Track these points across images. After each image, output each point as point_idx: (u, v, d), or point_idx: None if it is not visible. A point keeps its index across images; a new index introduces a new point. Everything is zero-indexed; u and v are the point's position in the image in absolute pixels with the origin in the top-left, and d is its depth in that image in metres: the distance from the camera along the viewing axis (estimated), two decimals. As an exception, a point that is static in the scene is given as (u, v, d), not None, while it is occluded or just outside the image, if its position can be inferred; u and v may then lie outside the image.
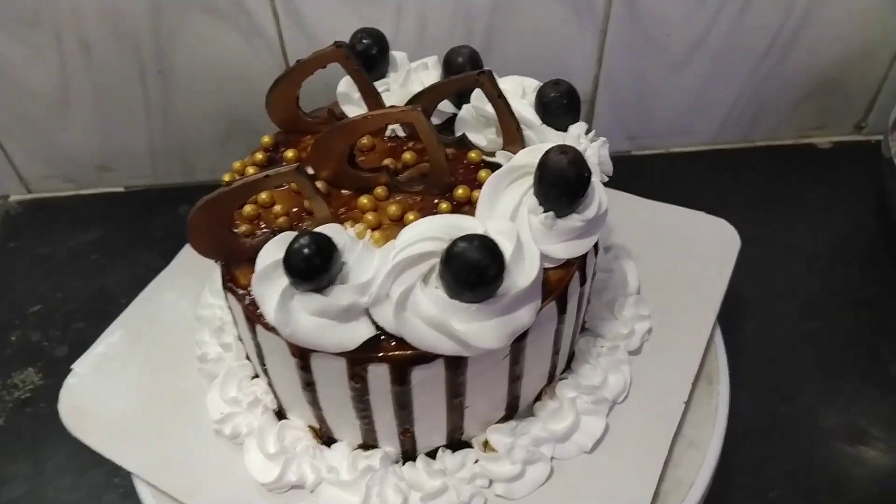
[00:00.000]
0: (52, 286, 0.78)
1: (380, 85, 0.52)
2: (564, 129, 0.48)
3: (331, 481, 0.47)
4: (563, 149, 0.42)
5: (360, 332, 0.41)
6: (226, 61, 0.76)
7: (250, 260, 0.43)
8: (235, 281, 0.45)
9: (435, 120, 0.53)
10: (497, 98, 0.46)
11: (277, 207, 0.47)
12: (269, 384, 0.49)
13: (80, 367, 0.56)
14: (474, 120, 0.51)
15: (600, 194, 0.45)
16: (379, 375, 0.42)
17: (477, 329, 0.40)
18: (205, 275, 0.60)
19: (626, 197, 0.66)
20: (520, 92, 0.50)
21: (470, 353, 0.40)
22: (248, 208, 0.47)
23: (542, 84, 0.49)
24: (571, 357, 0.52)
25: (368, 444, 0.48)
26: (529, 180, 0.44)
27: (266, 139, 0.53)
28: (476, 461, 0.48)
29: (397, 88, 0.52)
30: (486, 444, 0.48)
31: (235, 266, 0.45)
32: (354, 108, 0.53)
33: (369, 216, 0.45)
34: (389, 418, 0.45)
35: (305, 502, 0.48)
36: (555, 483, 0.48)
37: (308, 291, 0.40)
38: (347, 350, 0.41)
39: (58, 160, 0.85)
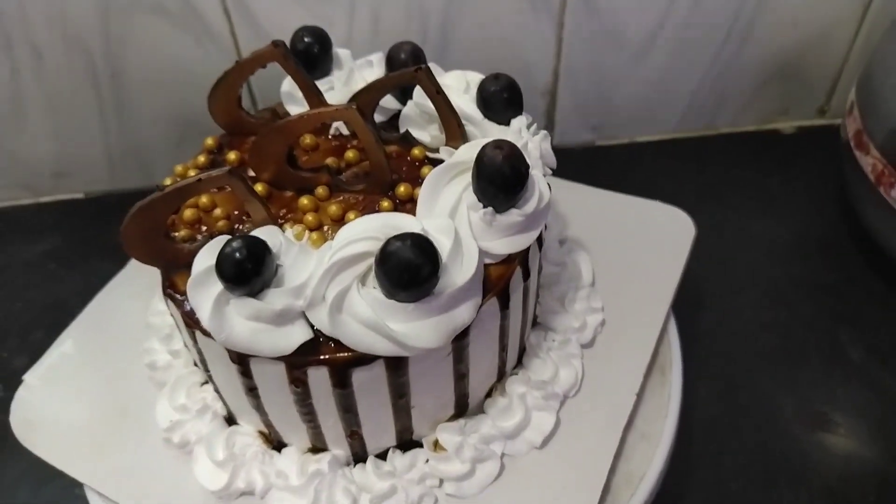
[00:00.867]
0: (8, 297, 0.77)
1: (323, 84, 0.52)
2: (507, 124, 0.48)
3: (280, 487, 0.47)
4: (497, 144, 0.41)
5: (295, 336, 0.40)
6: (178, 63, 0.75)
7: (189, 265, 0.43)
8: (175, 287, 0.44)
9: (379, 117, 0.52)
10: (436, 94, 0.45)
11: (218, 211, 0.47)
12: (216, 390, 0.49)
13: (31, 377, 0.56)
14: (417, 116, 0.50)
15: (541, 188, 0.44)
16: (319, 379, 0.42)
17: (414, 329, 0.39)
18: (156, 281, 0.59)
19: (581, 188, 0.66)
20: (463, 87, 0.50)
21: (408, 354, 0.40)
22: (188, 213, 0.46)
23: (483, 78, 0.48)
24: (523, 352, 0.52)
25: (318, 447, 0.48)
26: (469, 177, 0.43)
27: (209, 141, 0.52)
28: (426, 461, 0.48)
29: (341, 87, 0.52)
30: (436, 444, 0.48)
31: (175, 272, 0.45)
32: (298, 107, 0.52)
33: (309, 217, 0.45)
34: (335, 421, 0.45)
35: (256, 508, 0.48)
36: (505, 480, 0.48)
37: (242, 296, 0.39)
38: (284, 354, 0.40)
39: (14, 168, 0.84)
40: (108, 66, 0.75)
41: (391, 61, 0.51)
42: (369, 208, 0.46)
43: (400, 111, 0.52)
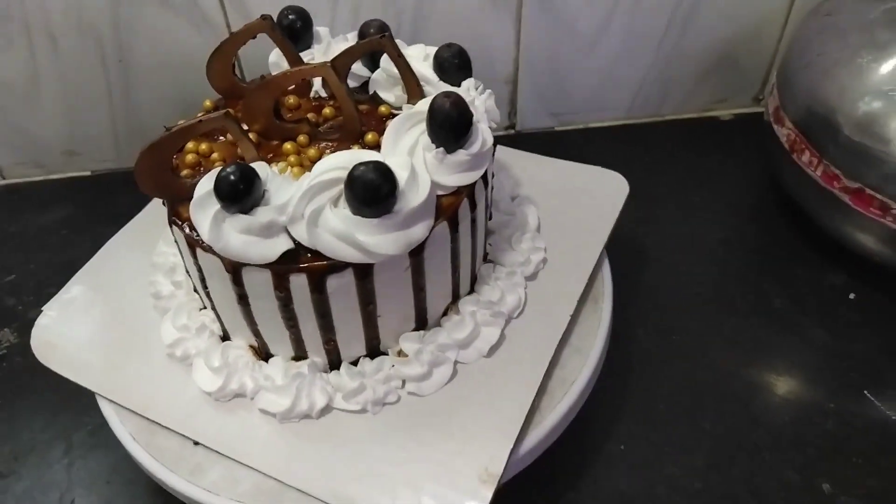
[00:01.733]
0: (24, 259, 0.86)
1: (305, 55, 0.61)
2: (458, 85, 0.57)
3: (267, 388, 0.55)
4: (446, 94, 0.51)
5: (279, 246, 0.49)
6: (178, 49, 0.84)
7: (191, 198, 0.51)
8: (179, 215, 0.53)
9: (352, 83, 0.62)
10: (398, 58, 0.55)
11: (215, 155, 0.56)
12: (213, 308, 0.57)
13: (49, 309, 0.64)
14: (384, 81, 0.59)
15: (485, 134, 0.53)
16: (300, 285, 0.50)
17: (378, 240, 0.48)
18: (156, 235, 0.67)
19: (537, 158, 0.75)
20: (422, 56, 0.59)
21: (373, 260, 0.49)
22: (189, 157, 0.55)
23: (438, 47, 0.58)
24: (474, 281, 0.61)
25: (299, 356, 0.57)
26: (424, 125, 0.52)
27: (207, 103, 0.61)
28: (392, 366, 0.56)
29: (320, 57, 0.61)
30: (399, 353, 0.57)
31: (179, 204, 0.54)
32: (283, 74, 0.61)
33: (292, 158, 0.54)
34: (313, 328, 0.54)
35: (246, 409, 0.56)
36: (457, 382, 0.56)
37: (235, 213, 0.48)
38: (270, 261, 0.49)
39: (27, 146, 0.92)
40: (116, 52, 0.84)
41: (362, 35, 0.61)
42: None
43: (369, 78, 0.62)
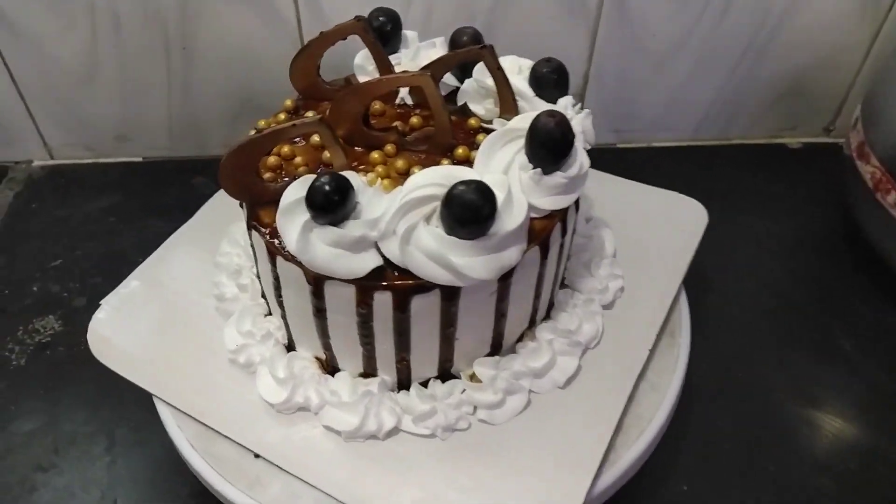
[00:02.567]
0: (70, 245, 0.84)
1: (392, 59, 0.59)
2: (554, 102, 0.55)
3: (333, 403, 0.53)
4: (551, 113, 0.48)
5: (368, 262, 0.47)
6: (244, 42, 0.82)
7: (272, 202, 0.49)
8: (259, 220, 0.51)
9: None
10: (496, 70, 0.52)
11: (298, 159, 0.53)
12: (283, 317, 0.55)
13: (107, 303, 0.62)
14: (475, 92, 0.57)
15: (582, 156, 0.51)
16: (383, 302, 0.48)
17: (470, 262, 0.46)
18: (218, 235, 0.65)
19: (608, 177, 0.72)
20: (516, 69, 0.57)
21: (463, 283, 0.46)
22: (272, 159, 0.53)
23: (536, 62, 0.56)
24: (551, 307, 0.59)
25: (368, 373, 0.54)
26: (521, 142, 0.50)
27: (288, 102, 0.59)
28: (463, 391, 0.54)
29: (407, 62, 0.59)
30: (472, 377, 0.55)
31: (259, 207, 0.51)
32: (369, 78, 0.59)
33: (379, 168, 0.52)
34: (389, 346, 0.52)
35: (310, 423, 0.54)
36: (531, 412, 0.54)
37: (326, 224, 0.46)
38: (357, 277, 0.47)
39: (80, 129, 0.91)
40: (180, 40, 0.82)
41: (454, 42, 0.58)
42: (431, 165, 0.53)
43: (457, 88, 0.59)
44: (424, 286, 0.47)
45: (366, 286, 0.48)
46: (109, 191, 0.91)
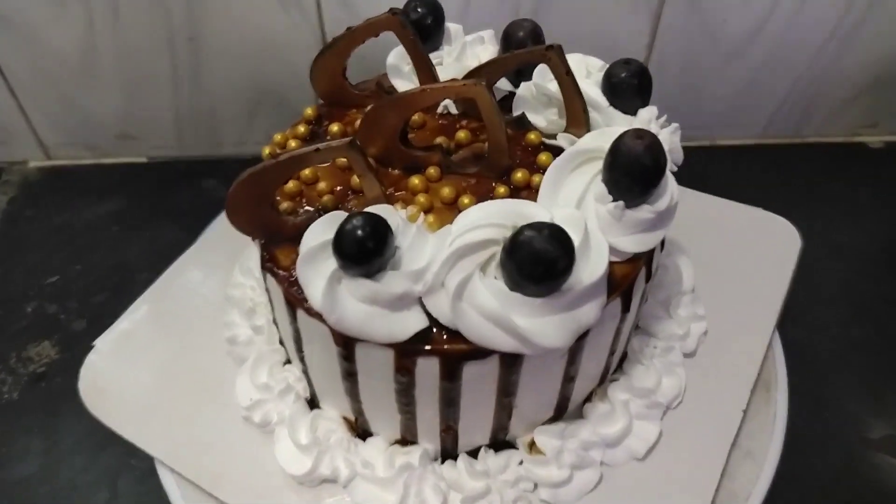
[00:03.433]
0: (70, 258, 0.76)
1: (432, 58, 0.49)
2: (633, 113, 0.45)
3: (366, 477, 0.45)
4: (638, 133, 0.38)
5: (411, 323, 0.38)
6: (259, 30, 0.73)
7: (292, 239, 0.40)
8: (276, 261, 0.42)
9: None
10: (565, 76, 0.43)
11: (322, 185, 0.44)
12: (304, 371, 0.47)
13: (103, 343, 0.54)
14: (534, 99, 0.47)
15: (672, 185, 0.41)
16: (428, 370, 0.39)
17: (540, 325, 0.37)
18: (234, 253, 0.57)
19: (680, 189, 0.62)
20: (584, 71, 0.47)
21: (530, 352, 0.37)
22: (290, 184, 0.44)
23: (610, 63, 0.46)
24: (623, 357, 0.49)
25: (406, 439, 0.46)
26: (597, 166, 0.40)
27: (309, 111, 0.50)
28: (521, 463, 0.45)
29: (451, 62, 0.49)
30: (531, 446, 0.46)
31: (276, 245, 0.42)
32: (405, 81, 0.50)
33: (421, 198, 0.42)
34: (433, 414, 0.43)
35: (337, 498, 0.46)
36: (604, 490, 0.45)
37: (358, 276, 0.37)
38: (397, 341, 0.38)
39: (78, 126, 0.82)
40: (186, 28, 0.73)
41: (508, 39, 0.49)
42: (483, 193, 0.43)
43: (511, 93, 0.49)
44: (480, 352, 0.38)
45: (408, 351, 0.38)
46: (112, 195, 0.82)
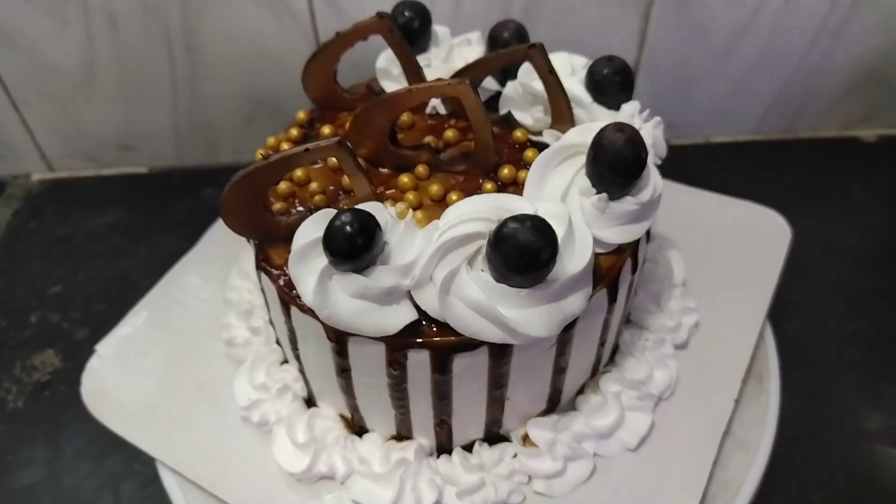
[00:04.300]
0: (72, 268, 0.77)
1: (421, 60, 0.50)
2: (617, 109, 0.46)
3: (362, 473, 0.45)
4: (619, 126, 0.39)
5: (401, 316, 0.38)
6: (255, 39, 0.74)
7: (285, 239, 0.41)
8: (269, 261, 0.43)
9: (476, 98, 0.50)
10: (548, 73, 0.43)
11: (314, 185, 0.45)
12: (301, 370, 0.47)
13: (104, 348, 0.55)
14: (520, 97, 0.48)
15: (655, 177, 0.42)
16: (419, 362, 0.40)
17: (526, 315, 0.37)
18: (231, 258, 0.58)
19: (668, 184, 0.63)
20: (568, 69, 0.48)
21: (517, 342, 0.38)
22: (282, 185, 0.45)
23: (593, 61, 0.46)
24: (615, 350, 0.50)
25: (402, 435, 0.46)
26: (581, 160, 0.41)
27: (301, 115, 0.51)
28: (515, 456, 0.46)
29: (439, 64, 0.50)
30: (525, 439, 0.46)
31: (270, 245, 0.43)
32: (394, 84, 0.51)
33: (410, 195, 0.43)
34: (426, 409, 0.43)
35: (335, 494, 0.46)
36: (597, 481, 0.46)
37: (348, 272, 0.38)
38: (388, 334, 0.38)
39: (79, 138, 0.83)
40: (184, 39, 0.75)
41: (494, 39, 0.50)
42: (471, 189, 0.44)
43: (498, 92, 0.50)
44: (469, 344, 0.39)
45: (399, 344, 0.39)
46: (113, 205, 0.83)
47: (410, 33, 0.49)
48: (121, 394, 0.52)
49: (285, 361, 0.51)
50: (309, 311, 0.40)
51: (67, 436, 0.63)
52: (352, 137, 0.45)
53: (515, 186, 0.44)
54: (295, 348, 0.45)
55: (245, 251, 0.57)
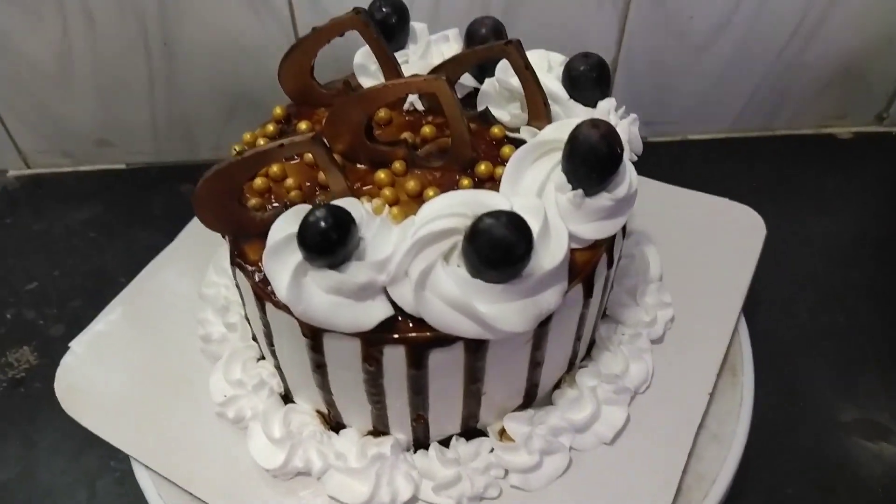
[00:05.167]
0: (48, 264, 0.76)
1: (398, 57, 0.50)
2: (593, 105, 0.46)
3: (339, 468, 0.45)
4: (594, 123, 0.39)
5: (376, 312, 0.38)
6: (233, 34, 0.74)
7: (260, 235, 0.41)
8: (244, 256, 0.43)
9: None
10: (524, 70, 0.44)
11: (289, 181, 0.45)
12: (277, 366, 0.47)
13: (78, 345, 0.54)
14: (497, 94, 0.48)
15: (631, 173, 0.42)
16: (394, 358, 0.40)
17: (501, 311, 0.37)
18: (208, 254, 0.58)
19: (645, 181, 0.63)
20: (545, 66, 0.48)
21: (493, 337, 0.38)
22: (258, 181, 0.45)
23: (570, 57, 0.47)
24: (591, 344, 0.50)
25: (379, 430, 0.46)
26: (557, 156, 0.41)
27: (278, 110, 0.50)
28: (491, 450, 0.46)
29: (416, 60, 0.50)
30: (502, 433, 0.46)
31: (245, 241, 0.43)
32: (371, 80, 0.50)
33: (386, 191, 0.43)
34: (403, 404, 0.43)
35: (311, 490, 0.46)
36: (573, 475, 0.46)
37: (323, 267, 0.38)
38: (363, 330, 0.38)
39: (56, 134, 0.83)
40: (161, 34, 0.74)
41: (471, 36, 0.50)
42: (448, 186, 0.44)
43: (476, 89, 0.50)
44: (445, 339, 0.39)
45: (374, 340, 0.39)
46: (90, 201, 0.83)
47: (387, 29, 0.49)
48: (95, 390, 0.51)
49: (262, 357, 0.51)
50: (284, 307, 0.40)
51: (42, 432, 0.62)
52: (328, 133, 0.45)
53: (492, 182, 0.44)
54: (271, 344, 0.45)
55: (223, 247, 0.56)
